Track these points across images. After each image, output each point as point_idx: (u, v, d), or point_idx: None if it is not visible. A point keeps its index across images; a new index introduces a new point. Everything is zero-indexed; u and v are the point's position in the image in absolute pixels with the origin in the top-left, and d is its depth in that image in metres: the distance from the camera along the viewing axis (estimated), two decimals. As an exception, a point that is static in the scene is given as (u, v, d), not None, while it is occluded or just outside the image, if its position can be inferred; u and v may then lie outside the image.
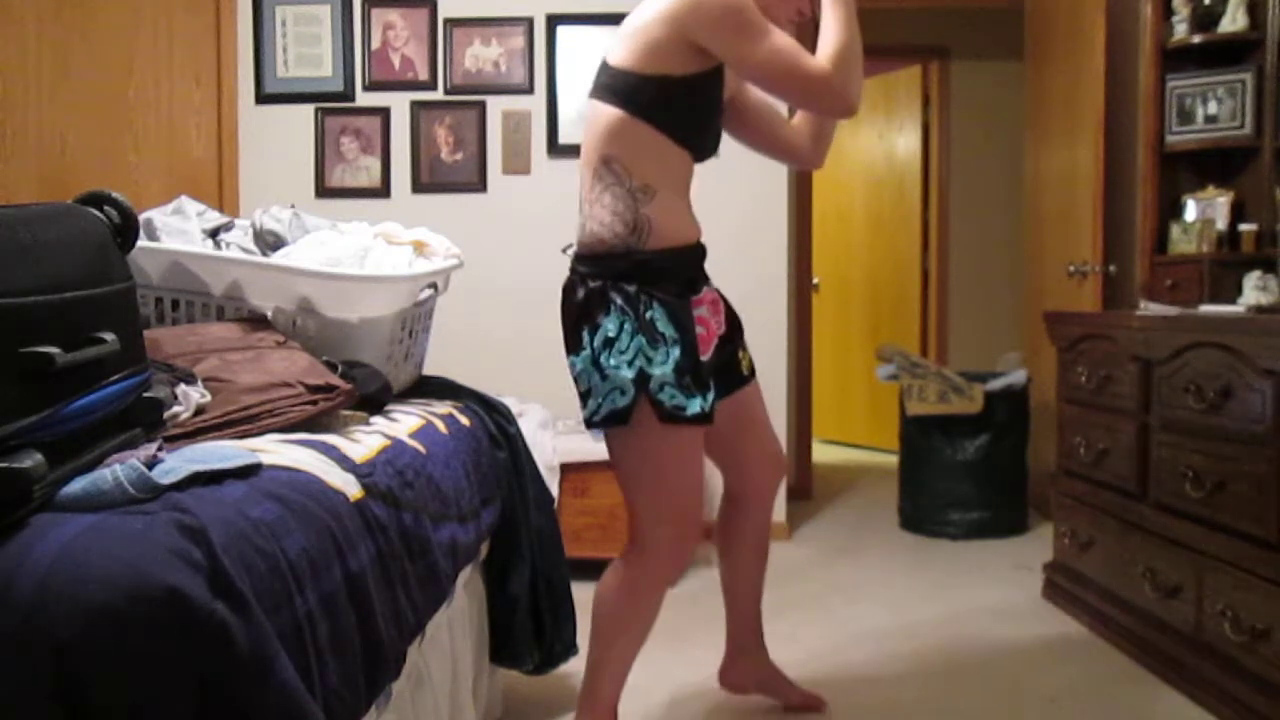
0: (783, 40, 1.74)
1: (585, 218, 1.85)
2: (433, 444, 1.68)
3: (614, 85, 1.80)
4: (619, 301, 1.78)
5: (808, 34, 1.92)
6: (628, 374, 1.76)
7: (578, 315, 1.82)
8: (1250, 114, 3.26)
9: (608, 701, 1.94)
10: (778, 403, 3.71)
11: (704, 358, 1.86)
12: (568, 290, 1.86)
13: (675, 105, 1.79)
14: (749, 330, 2.15)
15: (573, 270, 1.87)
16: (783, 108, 2.26)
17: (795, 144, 2.10)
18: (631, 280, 1.79)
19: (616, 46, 1.81)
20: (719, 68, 1.81)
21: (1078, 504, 2.94)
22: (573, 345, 1.84)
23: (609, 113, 1.80)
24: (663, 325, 1.78)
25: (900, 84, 5.62)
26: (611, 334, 1.77)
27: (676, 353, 1.78)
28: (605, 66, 1.83)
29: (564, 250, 1.93)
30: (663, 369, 1.77)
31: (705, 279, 1.97)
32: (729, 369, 2.04)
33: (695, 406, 1.79)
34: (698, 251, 1.92)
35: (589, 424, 1.84)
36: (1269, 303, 2.92)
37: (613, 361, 1.77)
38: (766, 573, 2.25)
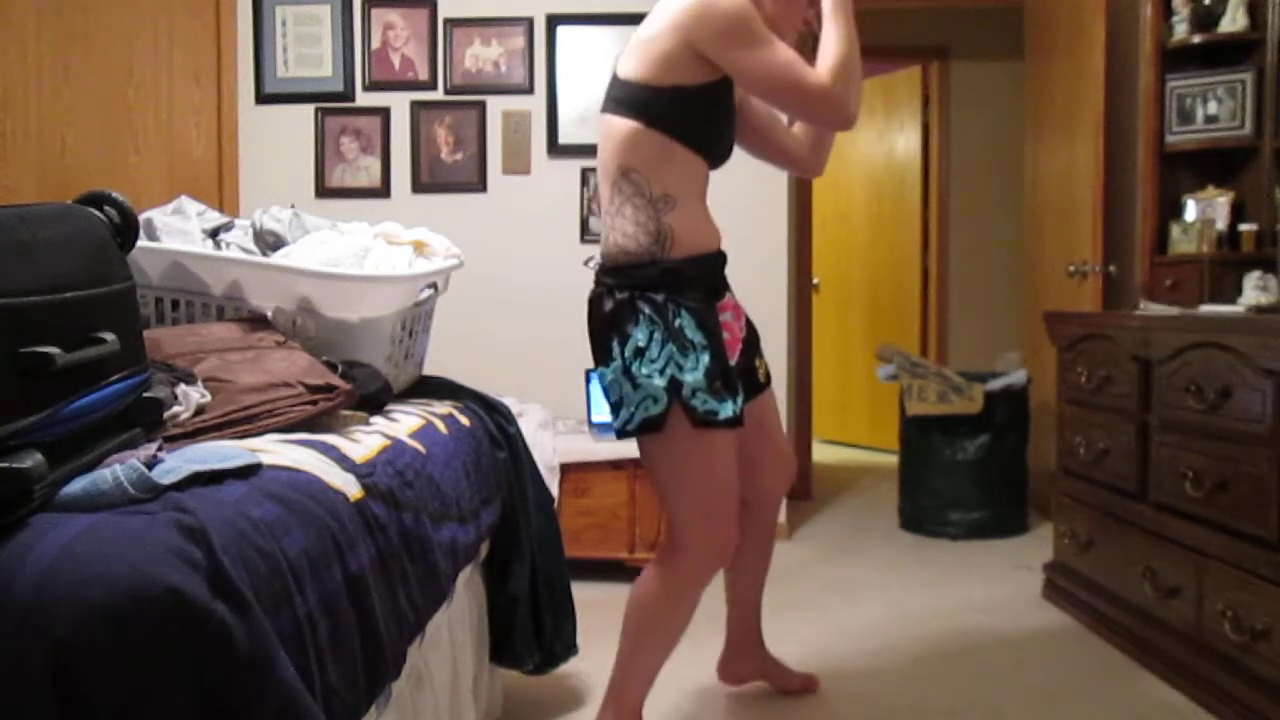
0: (784, 53, 1.77)
1: (608, 230, 1.87)
2: (433, 444, 1.68)
3: (628, 98, 1.81)
4: (647, 311, 1.80)
5: (807, 46, 1.92)
6: (660, 382, 1.79)
7: (606, 327, 1.84)
8: (1250, 114, 3.26)
9: (635, 701, 1.97)
10: (778, 403, 3.70)
11: (730, 362, 1.89)
12: (594, 302, 1.89)
13: (689, 114, 1.81)
14: (749, 330, 2.16)
15: (598, 282, 1.89)
16: (783, 116, 2.28)
17: (795, 152, 2.14)
18: (658, 289, 1.81)
19: (626, 59, 1.83)
20: (729, 76, 1.83)
21: (1078, 504, 2.94)
22: (602, 357, 1.87)
23: (625, 125, 1.81)
24: (691, 332, 1.81)
25: (900, 84, 5.62)
26: (642, 343, 1.80)
27: (706, 359, 1.81)
28: (616, 80, 1.85)
29: (586, 263, 1.96)
30: (694, 375, 1.79)
31: (726, 286, 2.00)
32: (748, 375, 2.07)
33: (727, 410, 1.82)
34: (720, 258, 1.95)
35: (621, 434, 1.87)
36: (1269, 303, 2.92)
37: (644, 370, 1.79)
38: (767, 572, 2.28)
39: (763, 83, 1.79)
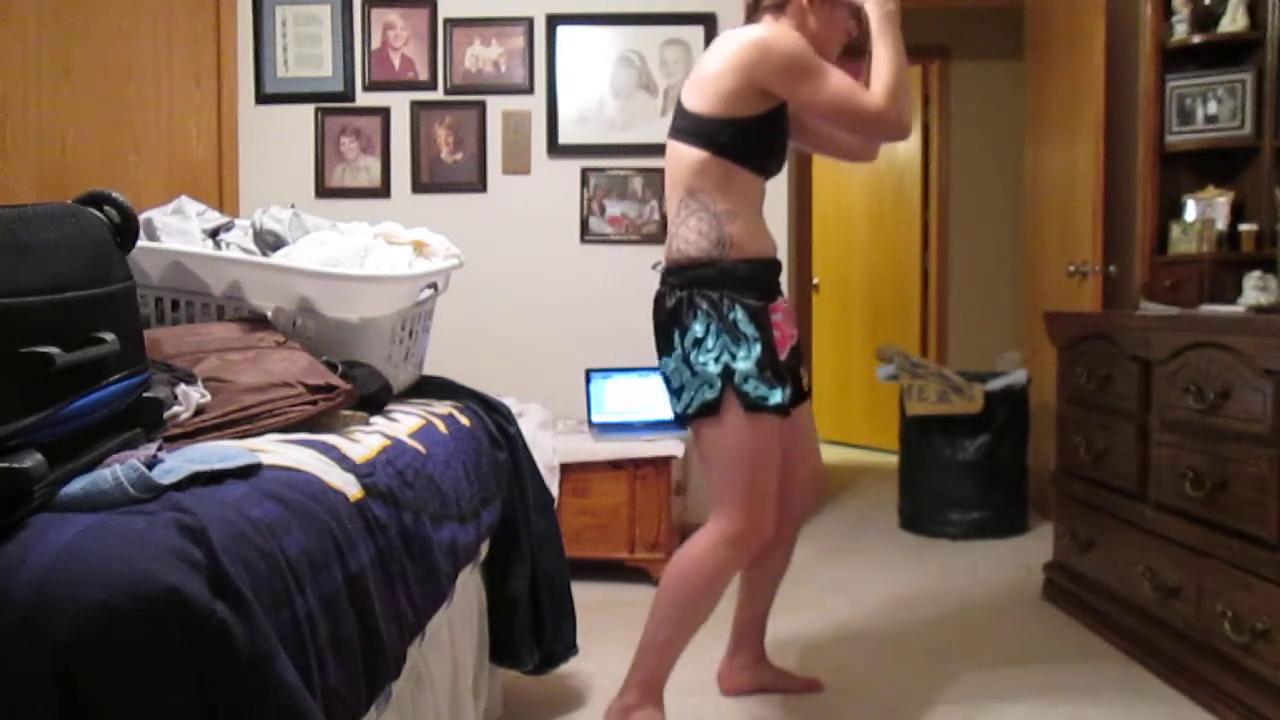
0: (841, 81, 1.95)
1: (672, 237, 2.04)
2: (433, 444, 1.68)
3: (693, 128, 1.99)
4: (704, 306, 1.97)
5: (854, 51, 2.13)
6: (714, 369, 1.96)
7: (668, 320, 2.02)
8: (1250, 114, 3.26)
9: (659, 680, 2.07)
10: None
11: (780, 357, 2.03)
12: (659, 300, 2.06)
13: (749, 142, 1.99)
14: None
15: (662, 282, 2.06)
16: None
17: (847, 143, 2.31)
18: (716, 287, 1.98)
19: (690, 93, 2.01)
20: (784, 102, 2.01)
21: (1078, 504, 2.94)
22: (665, 348, 2.03)
23: (691, 153, 1.99)
24: (744, 325, 1.97)
25: (900, 84, 5.62)
26: (699, 335, 1.97)
27: (758, 349, 1.97)
28: (682, 110, 2.03)
29: (654, 267, 2.13)
30: (746, 363, 1.96)
31: (780, 290, 2.14)
32: (794, 378, 2.16)
33: (776, 397, 1.98)
34: (775, 265, 2.11)
35: (680, 419, 2.04)
36: (1269, 303, 2.92)
37: (701, 359, 1.97)
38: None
39: (825, 111, 1.98)
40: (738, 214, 2.00)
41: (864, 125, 2.02)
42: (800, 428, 2.22)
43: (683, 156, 2.01)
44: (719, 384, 1.96)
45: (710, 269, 1.98)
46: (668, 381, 2.05)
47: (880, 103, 1.95)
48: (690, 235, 2.00)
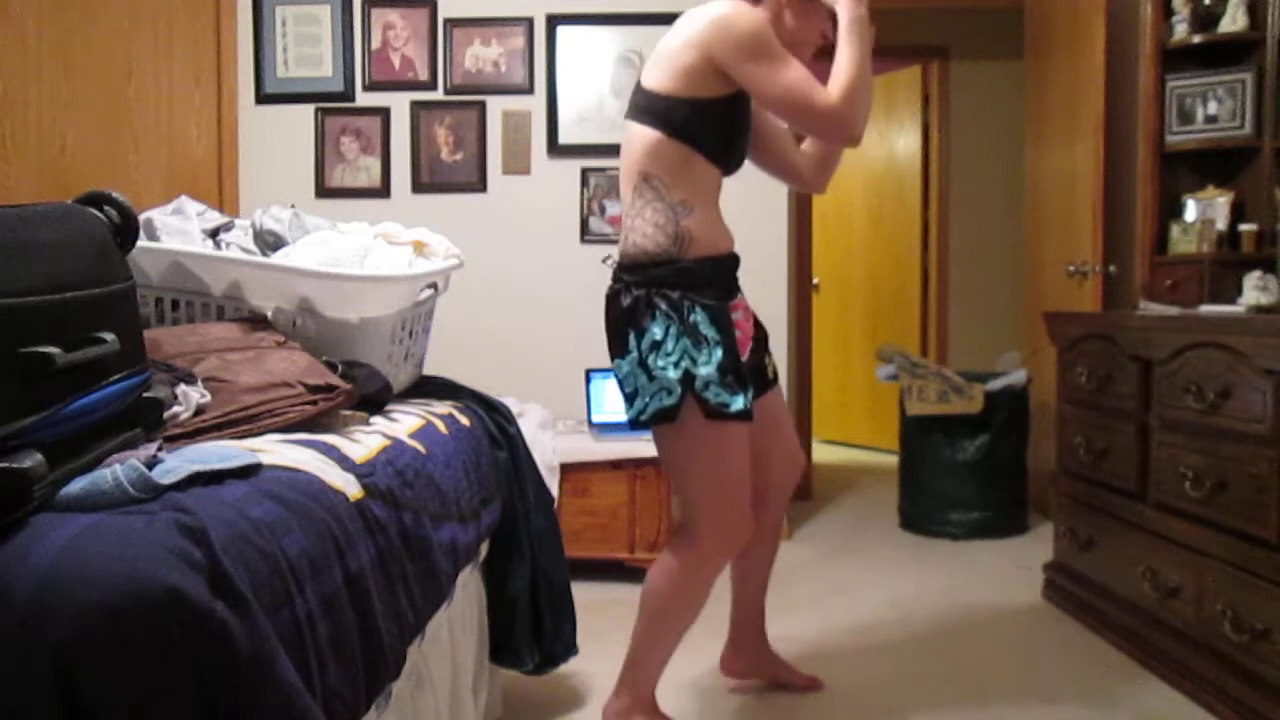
0: (798, 71, 1.86)
1: (628, 230, 1.96)
2: (433, 444, 1.68)
3: (649, 107, 1.91)
4: (663, 307, 1.89)
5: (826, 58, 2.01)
6: (674, 375, 1.88)
7: (624, 321, 1.93)
8: (1250, 114, 3.26)
9: (649, 686, 2.07)
10: (778, 403, 3.71)
11: (742, 359, 1.98)
12: (612, 298, 1.97)
13: (707, 125, 1.91)
14: (749, 330, 2.17)
15: (616, 279, 1.98)
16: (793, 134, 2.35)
17: (801, 168, 2.23)
18: (675, 287, 1.90)
19: (650, 70, 1.93)
20: (744, 90, 1.92)
21: (1078, 504, 2.94)
22: (618, 349, 1.95)
23: (646, 133, 1.91)
24: (705, 328, 1.90)
25: (900, 84, 5.62)
26: (658, 337, 1.89)
27: (719, 353, 1.90)
28: (640, 89, 1.95)
29: (604, 260, 2.06)
30: (707, 369, 1.89)
31: (738, 286, 2.09)
32: (757, 373, 2.15)
33: (739, 403, 1.91)
34: (733, 260, 2.04)
35: (635, 424, 1.96)
36: (1269, 303, 2.92)
37: (660, 363, 1.89)
38: (767, 573, 2.30)
39: (776, 98, 1.87)
40: (694, 206, 1.92)
41: (813, 121, 1.91)
42: (770, 416, 2.18)
43: (637, 137, 1.93)
44: (679, 390, 1.88)
45: (669, 267, 1.91)
46: (621, 385, 1.97)
47: (834, 101, 1.86)
48: (646, 229, 1.92)
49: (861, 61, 1.91)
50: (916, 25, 5.35)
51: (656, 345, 1.89)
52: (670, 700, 2.25)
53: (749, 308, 2.13)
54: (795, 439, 2.33)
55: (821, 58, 2.00)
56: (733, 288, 2.05)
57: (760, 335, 2.18)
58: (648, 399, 1.91)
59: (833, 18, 1.99)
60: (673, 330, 1.88)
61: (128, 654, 0.83)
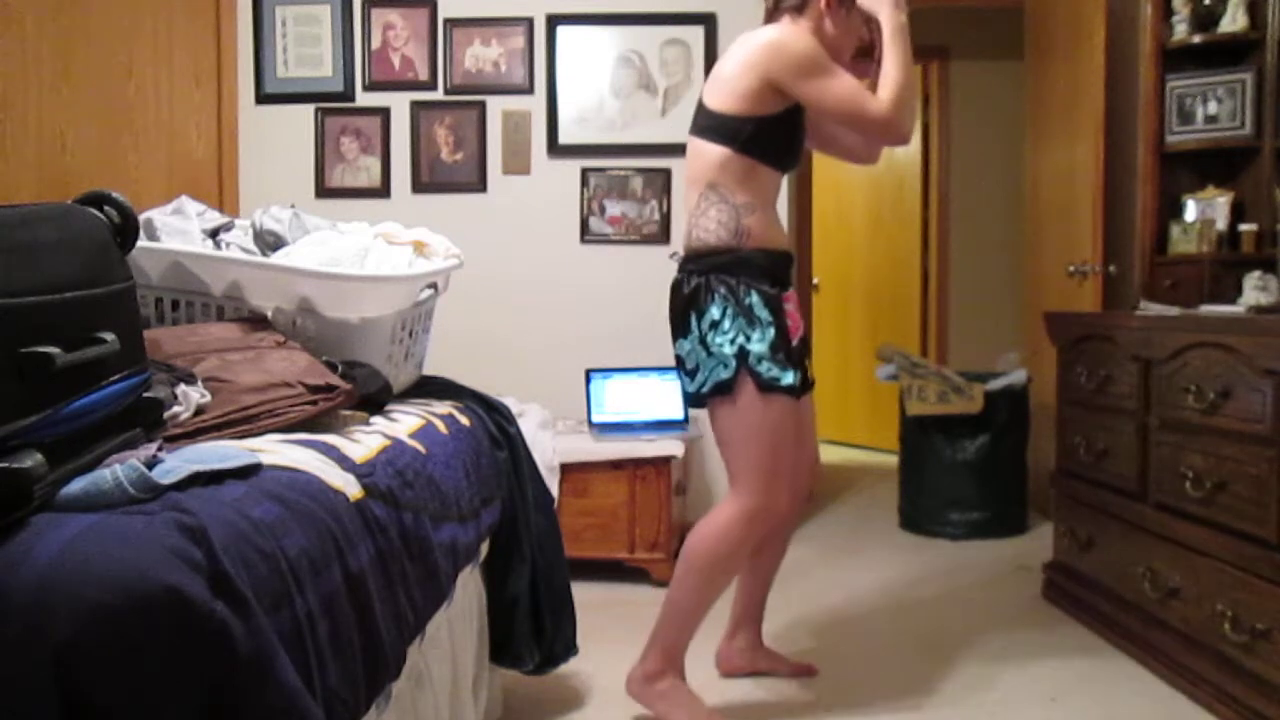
0: (849, 83, 2.07)
1: (691, 227, 2.15)
2: (433, 444, 1.68)
3: (714, 125, 2.11)
4: (722, 291, 2.08)
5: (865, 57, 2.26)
6: (730, 350, 2.07)
7: (686, 304, 2.12)
8: (1250, 114, 3.26)
9: (682, 648, 2.16)
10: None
11: (792, 343, 2.12)
12: (676, 286, 2.16)
13: (770, 138, 2.10)
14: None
15: (680, 269, 2.17)
16: None
17: (853, 147, 2.44)
18: (732, 273, 2.09)
19: (711, 92, 2.13)
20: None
21: (1078, 504, 2.94)
22: (681, 330, 2.14)
23: (713, 149, 2.11)
24: (759, 310, 2.08)
25: (900, 84, 5.62)
26: (716, 318, 2.08)
27: (771, 333, 2.07)
28: (703, 109, 2.14)
29: (671, 256, 2.25)
30: (760, 345, 2.07)
31: (791, 282, 2.23)
32: (803, 367, 2.24)
33: (789, 378, 2.08)
34: (788, 257, 2.21)
35: (695, 397, 2.14)
36: (1269, 303, 2.92)
37: (717, 340, 2.08)
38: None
39: (831, 110, 2.08)
40: (755, 207, 2.11)
41: (868, 128, 2.13)
42: (803, 418, 2.28)
43: (704, 153, 2.12)
44: (734, 364, 2.06)
45: (728, 256, 2.09)
46: (682, 363, 2.14)
47: (885, 109, 2.06)
48: (710, 225, 2.10)
49: (907, 68, 2.10)
50: (916, 25, 5.23)
51: (715, 324, 2.07)
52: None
53: (799, 305, 2.25)
54: (817, 450, 2.46)
55: (859, 57, 2.19)
56: (786, 281, 2.19)
57: (804, 337, 2.26)
58: (707, 373, 2.09)
59: (868, 20, 2.17)
60: (729, 311, 2.07)
61: (127, 654, 0.83)
